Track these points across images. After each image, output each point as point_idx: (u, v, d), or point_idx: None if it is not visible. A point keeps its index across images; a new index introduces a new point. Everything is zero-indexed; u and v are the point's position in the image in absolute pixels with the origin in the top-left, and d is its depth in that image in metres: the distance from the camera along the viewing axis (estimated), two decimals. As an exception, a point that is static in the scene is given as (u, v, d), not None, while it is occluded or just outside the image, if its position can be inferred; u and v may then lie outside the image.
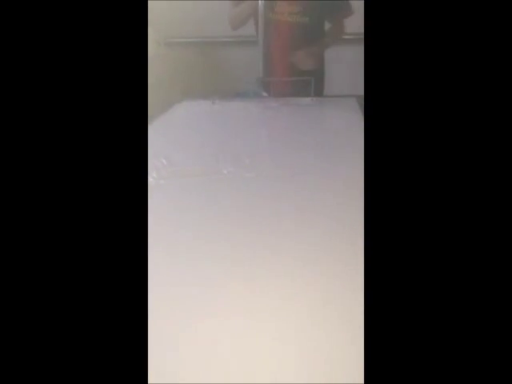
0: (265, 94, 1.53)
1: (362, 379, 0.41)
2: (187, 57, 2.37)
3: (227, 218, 0.80)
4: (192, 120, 1.40)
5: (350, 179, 0.91)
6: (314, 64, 1.46)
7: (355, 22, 1.97)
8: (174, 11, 2.28)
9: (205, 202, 0.87)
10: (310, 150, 1.11)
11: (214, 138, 1.24)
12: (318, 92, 1.56)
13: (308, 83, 1.49)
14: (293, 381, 0.45)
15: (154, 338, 0.46)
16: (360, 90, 1.80)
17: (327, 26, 1.66)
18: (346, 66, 2.24)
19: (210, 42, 2.40)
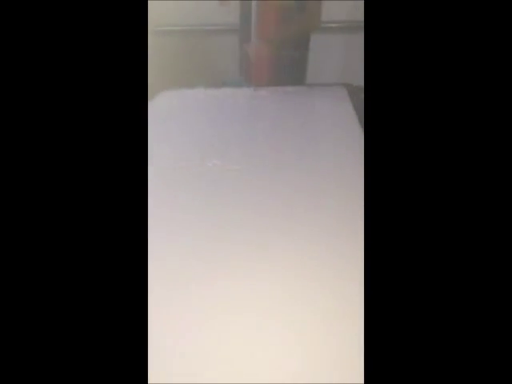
0: (246, 82, 1.49)
1: (361, 379, 0.41)
2: (171, 45, 2.33)
3: (211, 213, 0.77)
4: (175, 110, 1.36)
5: (344, 170, 0.89)
6: (269, 53, 1.42)
7: (343, 10, 1.94)
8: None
9: (187, 196, 0.83)
10: (301, 140, 1.08)
11: (198, 129, 1.20)
12: (301, 80, 1.52)
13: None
14: (293, 381, 0.45)
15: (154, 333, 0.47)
16: (348, 78, 1.79)
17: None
18: (334, 54, 2.22)
19: (194, 31, 2.35)
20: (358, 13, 1.77)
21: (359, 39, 1.99)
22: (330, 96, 1.42)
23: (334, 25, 1.99)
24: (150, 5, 2.19)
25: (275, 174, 0.91)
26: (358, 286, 0.54)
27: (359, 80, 1.57)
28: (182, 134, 1.17)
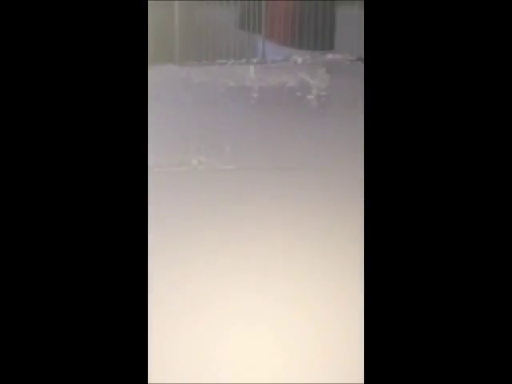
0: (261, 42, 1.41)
1: (361, 379, 0.41)
2: (159, 17, 2.23)
3: (198, 226, 0.69)
4: (155, 90, 1.19)
5: (354, 176, 0.82)
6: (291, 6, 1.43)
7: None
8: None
9: (165, 206, 0.75)
10: (313, 131, 0.97)
11: (182, 115, 1.07)
12: (329, 45, 1.53)
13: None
14: (293, 380, 0.51)
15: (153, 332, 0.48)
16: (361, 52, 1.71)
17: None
18: (354, 28, 2.22)
19: (184, 2, 2.27)
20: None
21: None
22: (346, 74, 1.32)
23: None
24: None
25: (279, 177, 0.83)
26: (358, 284, 0.55)
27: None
28: (161, 121, 1.03)
